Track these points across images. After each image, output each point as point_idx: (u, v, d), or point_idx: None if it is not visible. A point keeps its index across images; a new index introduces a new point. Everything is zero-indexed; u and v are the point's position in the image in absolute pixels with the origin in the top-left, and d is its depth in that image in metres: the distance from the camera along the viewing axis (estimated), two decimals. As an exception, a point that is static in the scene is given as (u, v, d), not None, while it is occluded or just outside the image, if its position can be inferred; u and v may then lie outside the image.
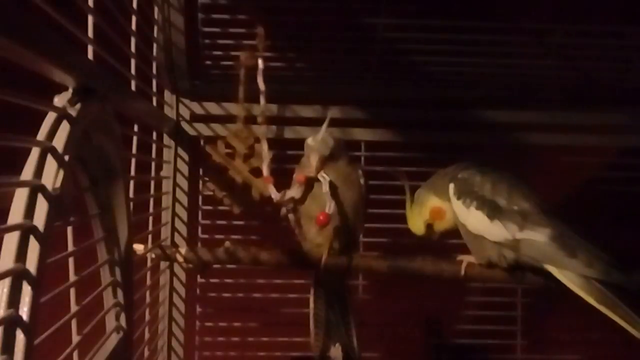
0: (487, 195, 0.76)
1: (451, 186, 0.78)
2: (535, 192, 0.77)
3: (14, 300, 0.39)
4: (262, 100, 0.89)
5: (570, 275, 0.71)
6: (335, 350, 0.86)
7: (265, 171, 0.86)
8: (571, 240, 0.72)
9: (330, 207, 0.78)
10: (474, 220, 0.76)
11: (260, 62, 0.88)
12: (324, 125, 0.82)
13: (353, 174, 0.83)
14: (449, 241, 0.85)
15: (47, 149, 0.44)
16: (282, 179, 0.86)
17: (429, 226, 0.81)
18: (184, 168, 1.00)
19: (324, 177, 0.79)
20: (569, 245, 0.71)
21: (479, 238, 0.76)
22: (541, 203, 0.76)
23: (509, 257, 0.75)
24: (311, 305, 0.87)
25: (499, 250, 0.75)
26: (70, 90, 0.49)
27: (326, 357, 0.86)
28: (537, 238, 0.73)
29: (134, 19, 0.75)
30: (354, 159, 0.89)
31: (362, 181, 0.83)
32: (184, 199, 1.00)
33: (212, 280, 1.03)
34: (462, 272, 0.79)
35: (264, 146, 0.88)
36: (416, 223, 0.82)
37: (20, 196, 0.42)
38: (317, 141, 0.81)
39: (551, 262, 0.72)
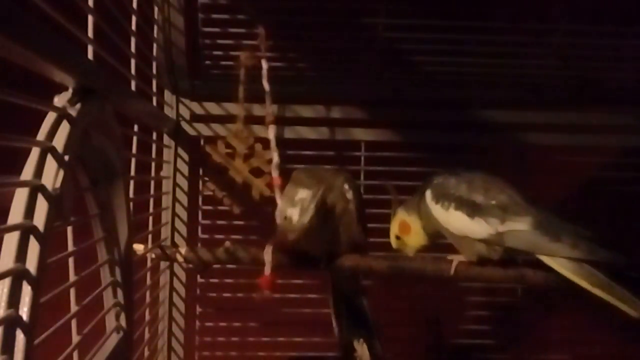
0: (463, 194, 0.76)
1: (428, 193, 0.78)
2: (512, 185, 0.77)
3: (14, 300, 0.39)
4: (267, 101, 0.89)
5: (561, 261, 0.71)
6: (360, 346, 0.86)
7: (274, 172, 0.86)
8: (554, 225, 0.72)
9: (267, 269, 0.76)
10: (455, 221, 0.76)
11: (264, 63, 0.88)
12: (312, 209, 0.76)
13: (338, 190, 0.80)
14: (449, 241, 0.85)
15: (47, 149, 0.44)
16: (282, 179, 0.86)
17: (400, 240, 0.82)
18: (184, 168, 1.00)
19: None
20: (551, 230, 0.71)
21: (464, 238, 0.76)
22: (519, 194, 0.75)
23: (498, 250, 0.75)
24: (331, 305, 0.87)
25: (487, 246, 0.75)
26: (70, 90, 0.49)
27: (352, 356, 0.86)
28: (519, 227, 0.72)
29: (134, 19, 0.75)
30: (339, 169, 0.85)
31: (349, 195, 0.81)
32: (184, 199, 1.00)
33: (212, 280, 1.03)
34: (452, 271, 0.78)
35: (272, 145, 0.88)
36: (391, 236, 0.83)
37: (20, 196, 0.42)
38: (301, 224, 0.75)
39: (538, 250, 0.72)
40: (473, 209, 0.75)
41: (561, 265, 0.71)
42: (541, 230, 0.72)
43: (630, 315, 0.67)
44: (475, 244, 0.75)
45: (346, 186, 0.81)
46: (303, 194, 0.78)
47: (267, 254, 0.76)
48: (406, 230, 0.81)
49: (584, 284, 0.69)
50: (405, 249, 0.83)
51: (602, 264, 0.69)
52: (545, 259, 0.72)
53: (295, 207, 0.76)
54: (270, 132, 0.88)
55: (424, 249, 0.82)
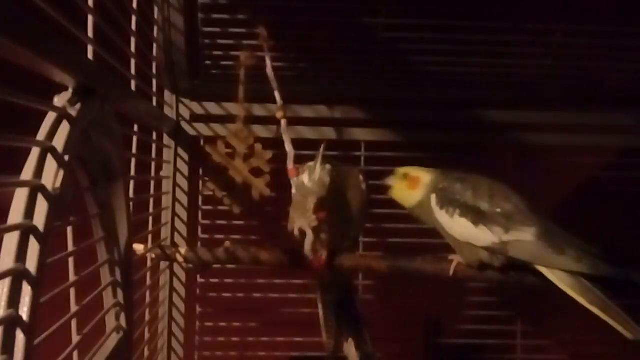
0: (469, 201, 0.75)
1: (433, 197, 0.78)
2: (517, 193, 0.76)
3: (14, 300, 0.39)
4: (277, 97, 0.89)
5: (560, 275, 0.71)
6: (348, 346, 0.86)
7: (289, 164, 0.86)
8: (558, 237, 0.71)
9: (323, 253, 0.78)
10: (460, 228, 0.75)
11: (268, 61, 0.88)
12: (318, 164, 0.77)
13: (354, 182, 0.82)
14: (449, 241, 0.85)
15: (47, 149, 0.44)
16: (282, 179, 0.86)
17: (403, 182, 0.81)
18: (184, 168, 1.00)
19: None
20: (556, 242, 0.71)
21: (467, 244, 0.76)
22: (524, 203, 0.75)
23: (500, 258, 0.75)
24: (320, 304, 0.87)
25: (489, 254, 0.75)
26: (70, 90, 0.49)
27: (340, 356, 0.86)
28: (524, 238, 0.72)
29: (134, 19, 0.75)
30: (352, 166, 0.86)
31: (364, 186, 0.83)
32: (184, 199, 1.00)
33: (212, 280, 1.03)
34: (451, 272, 0.78)
35: (286, 139, 0.87)
36: (399, 171, 0.82)
37: (20, 196, 0.42)
38: (313, 182, 0.76)
39: (540, 261, 0.72)
40: (478, 217, 0.74)
41: (560, 279, 0.71)
42: (545, 241, 0.71)
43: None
44: (478, 250, 0.75)
45: (362, 178, 0.83)
46: (310, 163, 0.79)
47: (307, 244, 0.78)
48: (414, 184, 0.80)
49: (581, 300, 0.69)
50: (395, 194, 0.82)
51: (604, 280, 0.69)
52: (545, 272, 0.72)
53: (305, 173, 0.77)
54: (283, 126, 0.88)
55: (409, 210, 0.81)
